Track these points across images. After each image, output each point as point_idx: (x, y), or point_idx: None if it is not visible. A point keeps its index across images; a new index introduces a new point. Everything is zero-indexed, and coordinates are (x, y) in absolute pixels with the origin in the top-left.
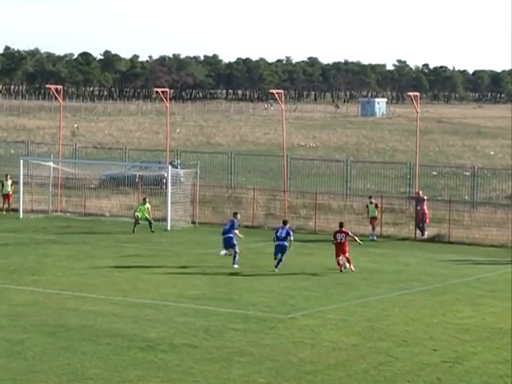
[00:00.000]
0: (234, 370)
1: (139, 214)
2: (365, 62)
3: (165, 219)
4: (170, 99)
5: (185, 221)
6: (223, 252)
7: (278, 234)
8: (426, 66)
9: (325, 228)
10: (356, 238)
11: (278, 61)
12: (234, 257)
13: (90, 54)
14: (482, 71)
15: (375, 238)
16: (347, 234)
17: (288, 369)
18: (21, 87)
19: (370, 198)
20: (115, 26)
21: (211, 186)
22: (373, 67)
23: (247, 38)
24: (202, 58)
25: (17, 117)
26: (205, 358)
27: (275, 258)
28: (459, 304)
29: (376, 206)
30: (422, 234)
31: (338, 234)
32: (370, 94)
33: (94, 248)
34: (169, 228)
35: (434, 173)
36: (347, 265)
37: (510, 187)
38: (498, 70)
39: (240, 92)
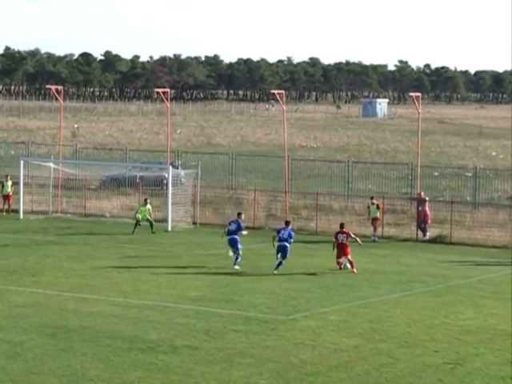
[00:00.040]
0: (234, 372)
1: (140, 216)
2: (366, 62)
3: (165, 220)
4: (171, 100)
5: (185, 222)
6: (231, 252)
7: (280, 234)
8: (427, 66)
9: (326, 229)
10: (357, 238)
11: (279, 61)
12: (236, 258)
13: (91, 55)
14: (484, 72)
15: (376, 238)
16: (348, 234)
17: (289, 370)
18: (21, 88)
19: (372, 198)
20: (116, 26)
21: (212, 186)
22: (374, 68)
23: (248, 39)
24: (202, 59)
25: (17, 117)
26: (205, 360)
27: (277, 258)
28: (461, 305)
29: (377, 206)
30: (424, 235)
31: (339, 235)
32: (371, 95)
33: (94, 249)
34: (169, 229)
35: (436, 173)
36: (348, 266)
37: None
38: (500, 70)
39: (241, 92)
